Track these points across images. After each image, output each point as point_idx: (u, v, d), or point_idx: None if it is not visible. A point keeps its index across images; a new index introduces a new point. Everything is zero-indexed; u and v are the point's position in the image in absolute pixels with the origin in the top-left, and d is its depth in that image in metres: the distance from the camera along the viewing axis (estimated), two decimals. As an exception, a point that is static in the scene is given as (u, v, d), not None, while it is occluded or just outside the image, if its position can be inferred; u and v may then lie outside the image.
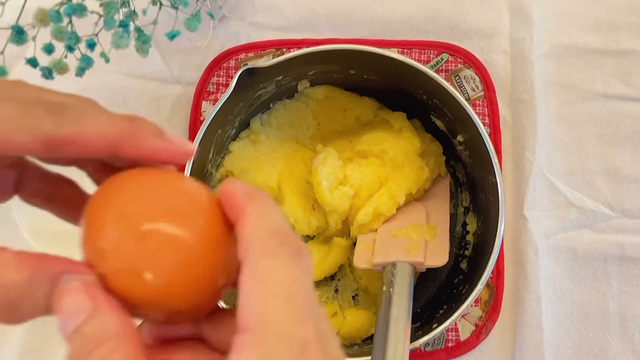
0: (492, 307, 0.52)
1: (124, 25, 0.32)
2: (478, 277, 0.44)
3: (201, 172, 0.49)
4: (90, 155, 0.21)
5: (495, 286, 0.52)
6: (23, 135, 0.20)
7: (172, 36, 0.33)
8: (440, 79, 0.46)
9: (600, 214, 0.53)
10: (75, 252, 0.22)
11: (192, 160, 0.44)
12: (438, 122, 0.52)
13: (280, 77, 0.49)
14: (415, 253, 0.46)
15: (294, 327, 0.18)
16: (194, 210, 0.20)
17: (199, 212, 0.20)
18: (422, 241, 0.47)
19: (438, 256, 0.46)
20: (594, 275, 0.53)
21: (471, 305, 0.50)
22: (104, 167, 0.24)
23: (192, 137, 0.53)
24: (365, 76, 0.51)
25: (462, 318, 0.52)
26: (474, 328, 0.52)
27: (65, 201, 0.25)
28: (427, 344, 0.52)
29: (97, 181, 0.24)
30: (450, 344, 0.52)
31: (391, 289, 0.42)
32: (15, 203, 0.25)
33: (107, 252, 0.19)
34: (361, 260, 0.48)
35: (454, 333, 0.52)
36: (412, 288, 0.42)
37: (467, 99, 0.54)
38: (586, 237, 0.53)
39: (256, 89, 0.49)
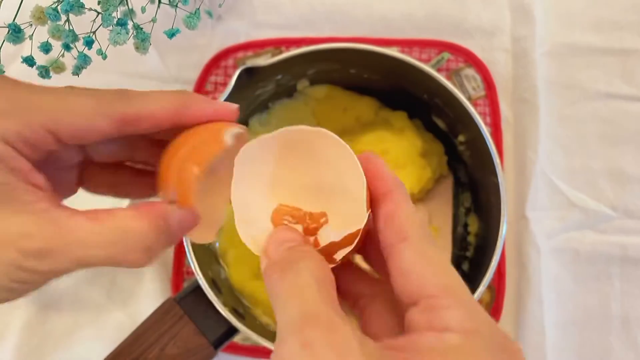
0: (493, 309, 0.51)
1: (121, 23, 0.31)
2: (480, 279, 0.43)
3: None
4: (156, 128, 0.25)
5: (497, 288, 0.52)
6: (102, 119, 0.24)
7: (171, 34, 0.33)
8: (441, 77, 0.45)
9: (603, 214, 0.53)
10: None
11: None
12: (439, 122, 0.52)
13: (279, 76, 0.49)
14: None
15: (468, 292, 0.24)
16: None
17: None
18: None
19: None
20: (596, 276, 0.52)
21: (472, 307, 0.49)
22: (154, 148, 0.28)
23: (190, 137, 0.53)
24: (365, 75, 0.51)
25: (463, 320, 0.51)
26: (475, 330, 0.51)
27: (125, 185, 0.29)
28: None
29: (147, 162, 0.29)
30: (451, 346, 0.51)
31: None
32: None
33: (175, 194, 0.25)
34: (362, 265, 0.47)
35: (455, 335, 0.51)
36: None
37: (468, 98, 0.54)
38: (588, 238, 0.53)
39: (255, 88, 0.49)
